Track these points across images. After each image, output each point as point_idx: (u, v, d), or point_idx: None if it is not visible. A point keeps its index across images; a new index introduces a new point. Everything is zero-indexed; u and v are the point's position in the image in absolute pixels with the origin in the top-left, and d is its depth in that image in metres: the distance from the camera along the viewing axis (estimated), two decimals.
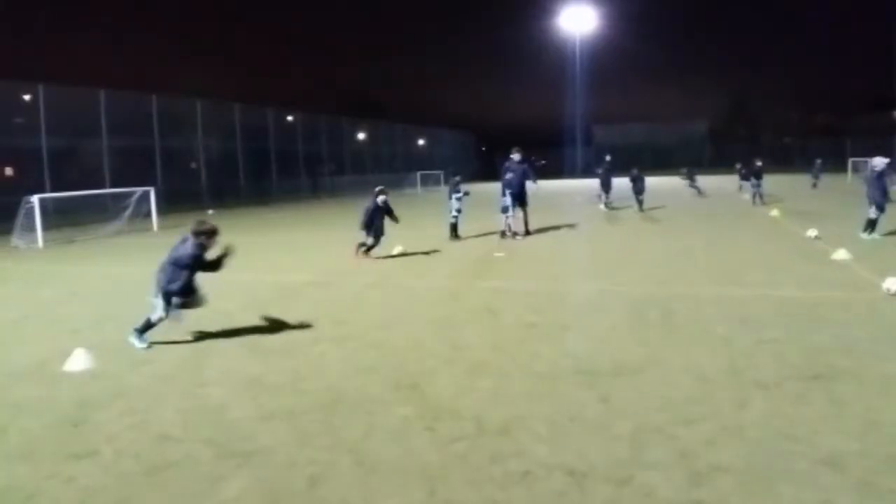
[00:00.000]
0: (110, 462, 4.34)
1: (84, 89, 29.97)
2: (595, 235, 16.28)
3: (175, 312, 6.99)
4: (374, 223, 12.67)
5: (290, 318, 8.17)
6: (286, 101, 46.73)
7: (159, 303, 6.94)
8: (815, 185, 31.54)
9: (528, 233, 15.69)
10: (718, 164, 41.05)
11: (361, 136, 52.84)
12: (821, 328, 6.92)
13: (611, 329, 7.17)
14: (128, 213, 22.02)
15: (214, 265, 7.17)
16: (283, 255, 14.75)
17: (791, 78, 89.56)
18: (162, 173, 32.27)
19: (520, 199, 15.31)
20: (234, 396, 5.45)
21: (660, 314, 7.70)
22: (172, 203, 28.74)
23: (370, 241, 12.70)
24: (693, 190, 29.16)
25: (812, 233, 14.09)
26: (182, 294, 6.98)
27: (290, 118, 44.78)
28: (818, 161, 32.99)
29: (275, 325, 7.86)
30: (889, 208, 13.79)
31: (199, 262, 7.02)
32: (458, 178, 16.30)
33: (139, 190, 22.59)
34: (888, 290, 8.34)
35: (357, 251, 12.76)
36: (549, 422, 4.69)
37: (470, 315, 8.03)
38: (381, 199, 12.80)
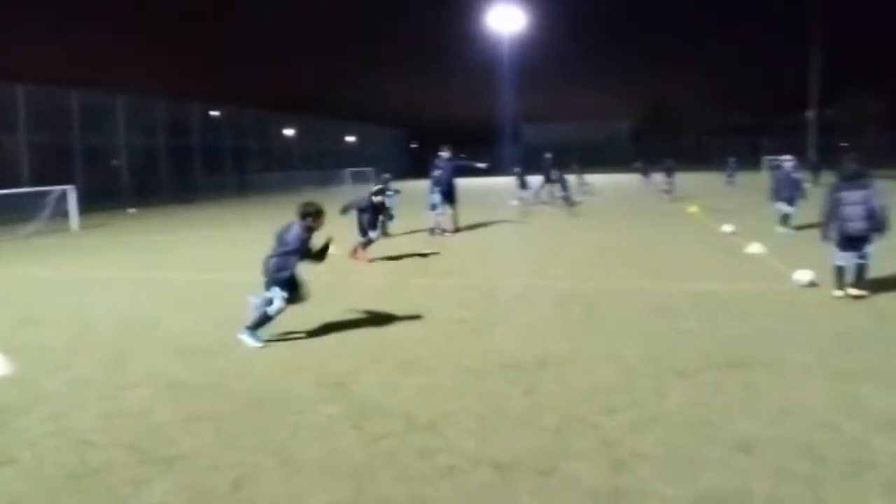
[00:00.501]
0: (31, 469, 4.16)
1: (0, 84, 28.29)
2: (523, 232, 16.50)
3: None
4: (363, 220, 11.94)
5: (214, 317, 7.96)
6: (212, 96, 45.24)
7: (276, 292, 6.68)
8: (729, 183, 32.89)
9: (457, 230, 15.76)
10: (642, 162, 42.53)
11: (290, 132, 51.85)
12: (736, 319, 7.22)
13: (537, 323, 7.28)
14: (46, 212, 20.92)
15: (320, 254, 6.94)
16: (207, 254, 14.33)
17: (710, 80, 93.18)
18: (82, 171, 30.78)
19: (449, 196, 15.35)
20: (157, 399, 5.28)
21: (584, 308, 7.87)
22: (93, 202, 27.42)
23: (368, 237, 11.98)
24: (647, 183, 30.28)
25: (728, 228, 14.71)
26: (289, 285, 6.74)
27: (215, 113, 43.49)
28: (732, 159, 34.42)
29: (199, 326, 7.64)
30: (800, 203, 14.61)
31: (308, 247, 6.77)
32: (388, 176, 16.24)
33: (58, 188, 21.49)
34: (798, 281, 8.79)
35: (357, 251, 11.98)
36: (477, 416, 4.71)
37: (397, 311, 7.99)
38: (376, 199, 12.17)
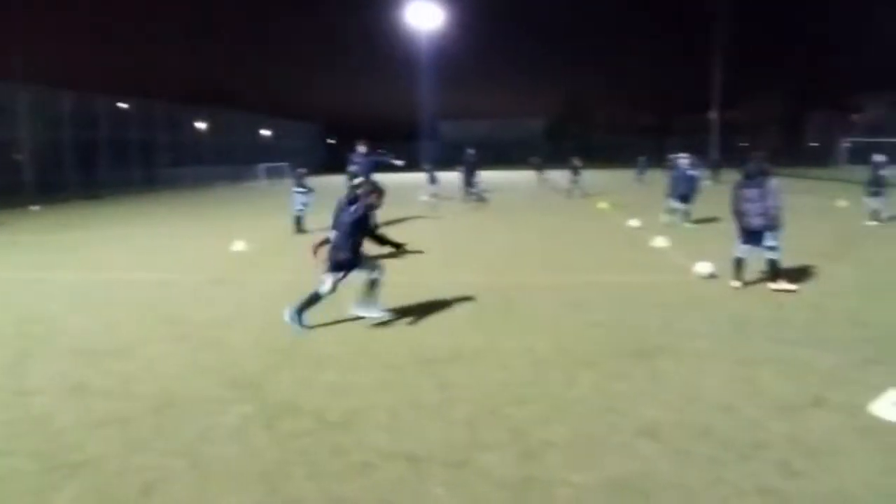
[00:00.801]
0: None
1: None
2: (439, 229, 16.56)
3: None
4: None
5: (121, 318, 7.62)
6: (120, 88, 43.10)
7: (329, 277, 6.67)
8: (640, 180, 34.18)
9: (375, 226, 15.61)
10: (554, 159, 43.52)
11: (202, 125, 50.06)
12: (642, 309, 7.51)
13: (452, 318, 7.32)
14: None
15: (383, 239, 7.02)
16: (114, 252, 13.60)
17: (620, 81, 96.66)
18: None
19: None
20: (61, 404, 5.01)
21: (499, 302, 7.99)
22: None
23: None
24: (544, 181, 30.93)
25: (634, 223, 15.28)
26: (350, 265, 6.67)
27: (123, 106, 41.46)
28: (642, 158, 35.76)
29: (104, 326, 7.28)
30: (695, 200, 15.40)
31: (366, 226, 6.75)
32: (303, 171, 15.92)
33: None
34: (699, 273, 9.23)
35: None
36: (391, 411, 4.69)
37: (313, 309, 7.86)
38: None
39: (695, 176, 15.74)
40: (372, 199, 6.80)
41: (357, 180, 11.77)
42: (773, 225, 8.12)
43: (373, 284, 6.83)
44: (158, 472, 3.91)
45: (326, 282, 6.72)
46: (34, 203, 28.34)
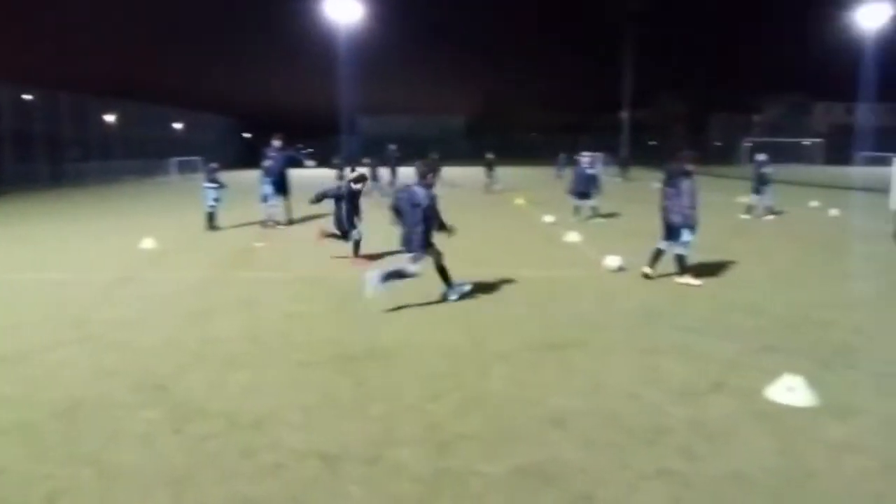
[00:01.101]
0: None
1: None
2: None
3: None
4: (341, 210, 10.42)
5: (22, 320, 7.18)
6: (23, 77, 40.26)
7: (419, 256, 7.39)
8: (559, 177, 35.00)
9: (290, 222, 15.36)
10: (473, 155, 43.99)
11: (111, 118, 47.64)
12: (554, 302, 7.72)
13: (368, 314, 7.29)
14: None
15: (443, 224, 7.71)
16: (15, 251, 12.72)
17: (538, 80, 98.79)
18: None
19: (281, 187, 14.87)
20: None
21: (416, 297, 7.99)
22: None
23: (353, 238, 10.51)
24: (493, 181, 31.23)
25: (549, 219, 15.66)
26: (423, 247, 7.39)
27: (27, 97, 38.93)
28: (562, 155, 36.66)
29: (4, 330, 6.83)
30: (596, 196, 15.98)
31: (433, 208, 7.48)
32: (215, 166, 15.42)
33: None
34: (608, 266, 9.56)
35: (354, 253, 10.54)
36: (304, 410, 4.64)
37: (225, 307, 7.66)
38: (356, 186, 10.57)
39: (594, 174, 16.26)
40: (430, 178, 7.58)
41: (355, 173, 11.45)
42: (688, 224, 8.44)
43: (413, 273, 7.54)
44: (63, 481, 3.73)
45: (415, 263, 7.42)
46: None
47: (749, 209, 16.50)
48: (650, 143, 65.31)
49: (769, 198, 16.29)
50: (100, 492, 3.62)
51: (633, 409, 4.61)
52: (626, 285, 8.67)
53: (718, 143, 67.99)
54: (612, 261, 9.64)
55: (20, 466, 3.91)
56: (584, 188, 15.89)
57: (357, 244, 10.54)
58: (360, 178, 10.84)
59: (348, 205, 10.41)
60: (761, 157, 16.27)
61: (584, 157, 16.32)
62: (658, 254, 8.84)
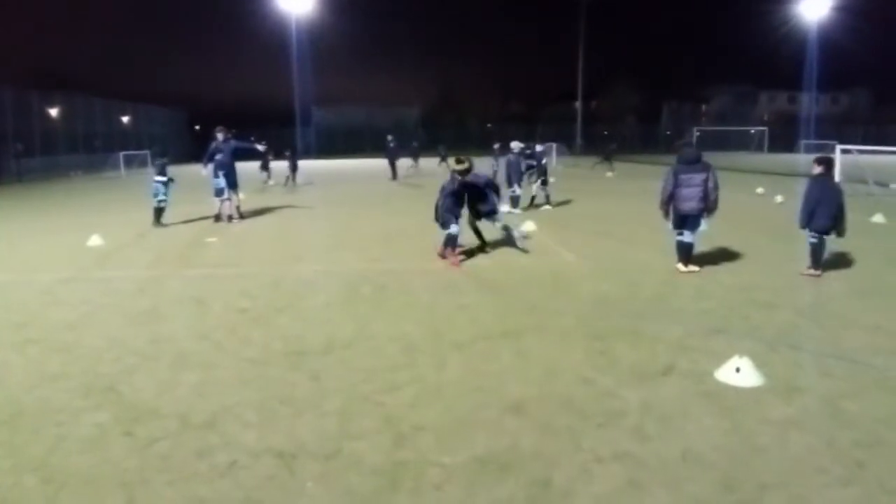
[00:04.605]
0: None
1: None
2: (312, 218, 16.23)
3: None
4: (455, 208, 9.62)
5: None
6: None
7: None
8: (494, 168, 35.24)
9: (241, 216, 15.07)
10: (429, 146, 44.01)
11: (54, 111, 45.92)
12: (510, 291, 7.77)
13: (324, 308, 7.23)
14: None
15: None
16: None
17: (490, 71, 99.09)
18: None
19: (231, 180, 14.53)
20: None
21: (372, 289, 7.97)
22: None
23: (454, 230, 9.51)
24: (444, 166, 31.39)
25: (506, 208, 15.72)
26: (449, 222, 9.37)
27: None
28: (498, 145, 36.82)
29: None
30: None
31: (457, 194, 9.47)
32: (164, 160, 15.01)
33: None
34: (520, 234, 10.49)
35: (448, 252, 9.61)
36: (259, 407, 4.57)
37: (174, 305, 7.48)
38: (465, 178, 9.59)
39: (517, 163, 16.37)
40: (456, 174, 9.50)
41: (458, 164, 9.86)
42: (709, 209, 8.22)
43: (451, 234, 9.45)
44: (6, 490, 3.61)
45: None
46: None
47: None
48: (604, 133, 66.20)
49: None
50: (46, 499, 3.51)
51: (587, 394, 4.68)
52: (579, 273, 8.78)
53: (669, 132, 69.39)
54: (522, 230, 10.77)
55: None
56: (516, 178, 16.01)
57: (454, 238, 9.56)
58: (467, 170, 9.62)
59: (453, 198, 9.54)
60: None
61: (513, 144, 16.45)
62: (688, 248, 8.49)
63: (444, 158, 28.33)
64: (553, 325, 6.37)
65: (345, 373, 5.19)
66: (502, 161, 16.50)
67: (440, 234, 9.72)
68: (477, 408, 4.47)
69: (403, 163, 28.56)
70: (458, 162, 9.71)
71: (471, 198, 9.83)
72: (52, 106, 45.47)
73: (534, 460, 3.75)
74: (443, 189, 9.61)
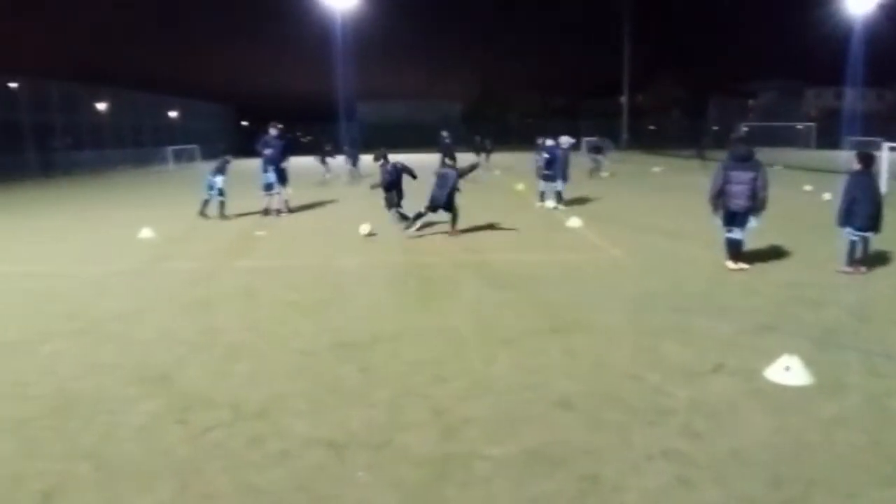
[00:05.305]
0: None
1: None
2: (356, 211, 16.33)
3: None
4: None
5: (13, 314, 7.13)
6: (9, 66, 39.73)
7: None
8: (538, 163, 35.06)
9: (290, 210, 15.33)
10: (471, 141, 44.06)
11: (102, 106, 47.25)
12: (558, 286, 7.72)
13: (370, 300, 7.30)
14: None
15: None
16: (5, 244, 12.63)
17: (532, 64, 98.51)
18: None
19: (280, 175, 14.81)
20: None
21: (417, 283, 8.02)
22: None
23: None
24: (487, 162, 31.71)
25: (550, 204, 15.63)
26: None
27: (13, 85, 38.59)
28: (541, 140, 36.62)
29: None
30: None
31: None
32: (228, 158, 15.35)
33: None
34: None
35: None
36: (309, 397, 4.64)
37: (225, 297, 7.64)
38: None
39: (551, 158, 16.16)
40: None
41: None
42: (758, 207, 8.07)
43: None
44: (59, 477, 3.68)
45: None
46: None
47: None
48: (649, 128, 65.18)
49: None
50: (99, 486, 3.58)
51: (636, 390, 4.64)
52: (625, 269, 8.68)
53: (716, 128, 67.94)
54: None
55: (12, 463, 3.85)
56: (550, 171, 15.88)
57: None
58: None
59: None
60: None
61: (548, 141, 16.32)
62: (737, 244, 8.35)
63: (488, 152, 28.23)
64: (600, 320, 6.31)
65: (392, 365, 5.24)
66: (542, 155, 16.30)
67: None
68: (525, 402, 4.47)
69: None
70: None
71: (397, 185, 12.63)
72: (99, 100, 46.72)
73: (583, 455, 3.73)
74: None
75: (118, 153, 44.20)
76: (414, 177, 12.80)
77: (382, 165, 12.65)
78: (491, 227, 12.81)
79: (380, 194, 13.26)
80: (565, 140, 16.18)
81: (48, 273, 9.38)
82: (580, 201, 16.26)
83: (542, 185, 16.11)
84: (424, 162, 32.19)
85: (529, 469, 3.60)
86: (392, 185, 12.63)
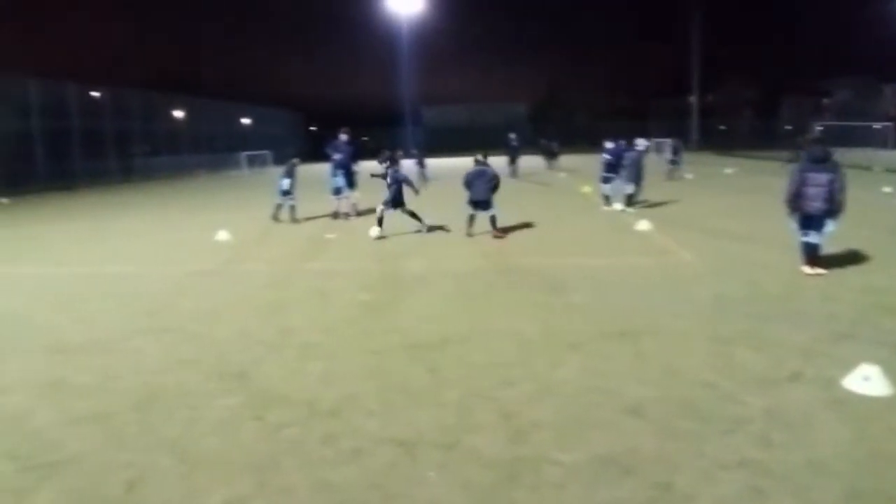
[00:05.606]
0: None
1: None
2: (424, 215, 16.46)
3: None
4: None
5: (98, 312, 7.53)
6: (91, 76, 42.00)
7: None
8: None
9: (358, 214, 15.62)
10: (536, 143, 43.82)
11: (179, 113, 49.28)
12: (627, 290, 7.62)
13: (438, 303, 7.38)
14: None
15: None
16: (89, 245, 13.42)
17: (598, 65, 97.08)
18: None
19: (350, 179, 15.15)
20: (36, 402, 4.91)
21: (483, 286, 8.05)
22: None
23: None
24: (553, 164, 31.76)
25: (618, 206, 15.40)
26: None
27: (95, 94, 40.69)
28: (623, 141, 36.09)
29: (81, 321, 7.17)
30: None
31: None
32: (295, 161, 15.82)
33: None
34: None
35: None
36: (380, 397, 4.74)
37: (298, 298, 7.88)
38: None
39: (610, 161, 15.92)
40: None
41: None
42: (836, 210, 7.82)
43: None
44: (143, 468, 3.86)
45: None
46: (4, 195, 27.83)
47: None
48: (720, 127, 63.30)
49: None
50: (181, 478, 3.73)
51: (709, 398, 4.54)
52: (697, 273, 8.49)
53: (789, 128, 65.32)
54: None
55: (99, 454, 4.05)
56: (607, 173, 15.75)
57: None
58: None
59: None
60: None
61: (608, 144, 16.22)
62: (814, 248, 8.09)
63: (555, 154, 28.08)
64: (671, 326, 6.20)
65: (461, 367, 5.30)
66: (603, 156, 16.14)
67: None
68: (594, 407, 4.45)
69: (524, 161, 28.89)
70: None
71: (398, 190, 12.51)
72: (175, 108, 48.70)
73: (654, 463, 3.69)
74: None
75: (194, 158, 45.92)
76: (416, 192, 13.23)
77: (387, 168, 12.77)
78: (556, 229, 12.75)
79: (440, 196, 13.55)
80: (641, 142, 15.91)
81: (131, 273, 9.86)
82: (650, 204, 15.95)
83: (605, 187, 15.88)
84: (495, 165, 32.31)
85: (600, 475, 3.59)
86: (395, 190, 12.57)
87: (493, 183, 11.81)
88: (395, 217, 12.52)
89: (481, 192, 11.77)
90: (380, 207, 12.24)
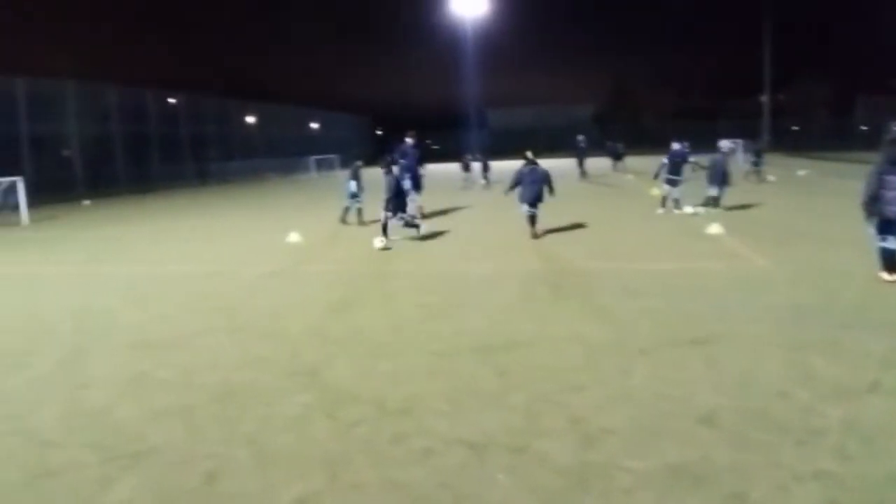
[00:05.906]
0: None
1: None
2: (489, 218, 16.58)
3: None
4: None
5: (176, 310, 7.88)
6: (168, 83, 43.81)
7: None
8: (692, 167, 33.65)
9: (424, 216, 15.76)
10: (603, 145, 43.24)
11: (250, 119, 50.92)
12: (697, 296, 7.45)
13: (504, 305, 7.40)
14: None
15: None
16: (167, 245, 14.05)
17: (666, 64, 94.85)
18: (31, 161, 29.92)
19: (416, 182, 15.31)
20: (120, 396, 5.18)
21: (549, 289, 8.03)
22: (44, 193, 26.63)
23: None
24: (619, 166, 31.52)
25: (689, 209, 15.05)
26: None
27: (172, 100, 42.47)
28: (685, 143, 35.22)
29: (161, 319, 7.53)
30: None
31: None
32: (359, 164, 16.13)
33: (5, 181, 20.60)
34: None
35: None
36: (449, 398, 4.80)
37: (366, 299, 8.04)
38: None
39: (677, 163, 15.51)
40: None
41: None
42: None
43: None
44: (221, 460, 4.01)
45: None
46: (85, 198, 29.31)
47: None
48: (792, 128, 60.90)
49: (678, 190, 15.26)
50: (257, 471, 3.87)
51: (784, 408, 4.41)
52: (771, 278, 8.23)
53: (864, 128, 62.22)
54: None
55: (179, 446, 4.25)
56: (673, 175, 15.39)
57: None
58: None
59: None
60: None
61: (675, 145, 15.87)
62: (892, 254, 7.69)
63: (621, 156, 27.68)
64: (745, 333, 6.04)
65: (528, 370, 5.31)
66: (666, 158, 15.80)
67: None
68: (666, 415, 4.39)
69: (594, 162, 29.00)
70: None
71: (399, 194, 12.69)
72: (248, 114, 50.29)
73: (728, 473, 3.62)
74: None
75: (265, 162, 47.33)
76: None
77: (387, 174, 13.02)
78: (624, 232, 12.57)
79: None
80: (725, 144, 15.53)
81: (208, 272, 10.28)
82: (723, 207, 15.46)
83: (673, 190, 15.48)
84: (561, 167, 32.14)
85: (672, 484, 3.54)
86: (396, 193, 12.67)
87: (547, 181, 12.04)
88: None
89: (534, 190, 12.01)
90: (383, 215, 12.34)
